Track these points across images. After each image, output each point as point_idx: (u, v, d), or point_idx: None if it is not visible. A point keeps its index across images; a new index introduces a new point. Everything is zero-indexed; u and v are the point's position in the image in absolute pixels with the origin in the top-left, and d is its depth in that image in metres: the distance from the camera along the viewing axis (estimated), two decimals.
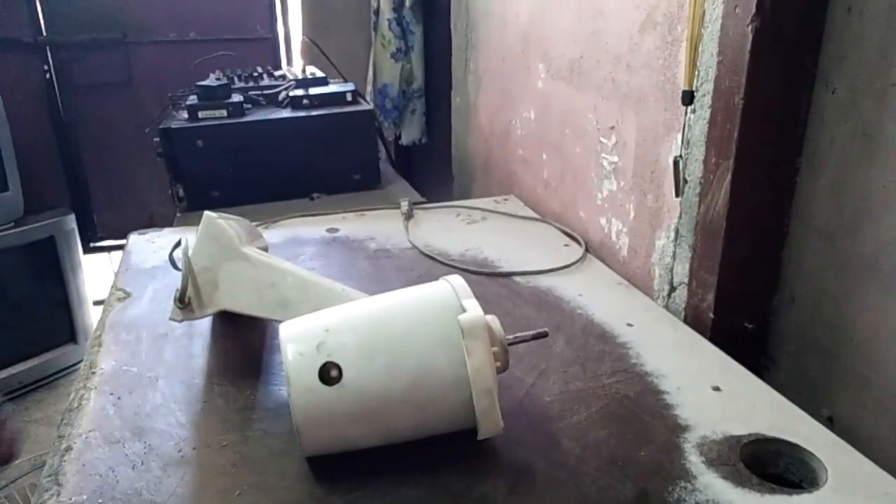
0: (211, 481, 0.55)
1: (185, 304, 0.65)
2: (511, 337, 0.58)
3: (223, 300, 0.66)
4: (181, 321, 0.66)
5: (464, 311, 0.54)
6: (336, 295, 0.67)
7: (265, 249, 0.77)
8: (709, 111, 0.74)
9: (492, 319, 0.56)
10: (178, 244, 0.67)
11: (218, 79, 1.54)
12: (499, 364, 0.55)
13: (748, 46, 0.67)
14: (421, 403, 0.54)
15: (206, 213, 0.68)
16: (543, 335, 0.60)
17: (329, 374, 0.52)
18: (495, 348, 0.55)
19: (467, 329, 0.52)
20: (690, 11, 0.73)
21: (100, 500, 0.53)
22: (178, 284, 0.66)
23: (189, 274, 0.65)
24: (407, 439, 0.56)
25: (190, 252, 0.66)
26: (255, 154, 1.33)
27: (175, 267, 0.68)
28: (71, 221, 2.15)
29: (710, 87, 0.73)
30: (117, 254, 1.63)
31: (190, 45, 2.25)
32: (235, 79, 1.60)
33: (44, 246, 2.05)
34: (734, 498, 0.53)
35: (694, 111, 0.77)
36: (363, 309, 0.58)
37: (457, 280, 0.58)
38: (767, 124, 0.70)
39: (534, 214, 1.18)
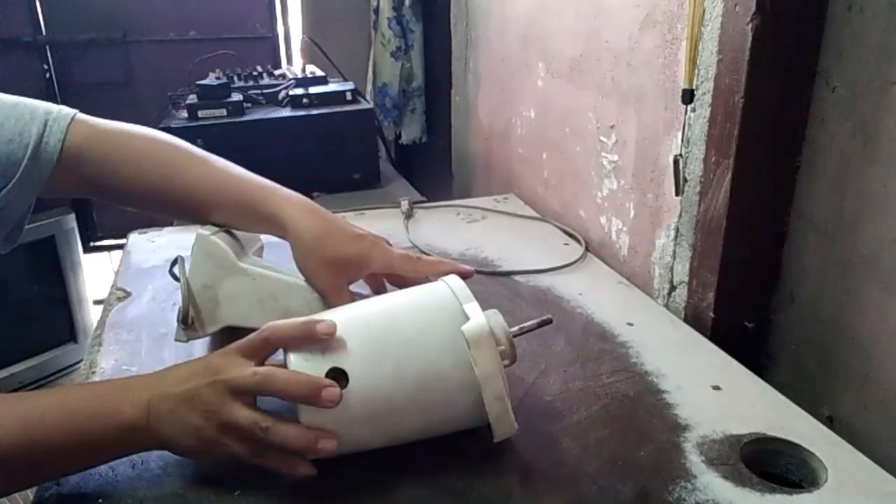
0: (211, 481, 0.55)
1: (188, 324, 0.65)
2: (516, 328, 0.58)
3: (226, 316, 0.66)
4: (187, 341, 0.66)
5: (465, 315, 0.53)
6: None
7: (260, 249, 0.76)
8: (709, 110, 0.74)
9: (493, 315, 0.56)
10: (175, 262, 0.67)
11: (218, 78, 1.54)
12: (506, 362, 0.55)
13: (748, 45, 0.67)
14: (427, 407, 0.54)
15: (198, 231, 0.67)
16: (548, 322, 0.59)
17: (335, 380, 0.52)
18: (501, 347, 0.54)
19: (472, 340, 0.52)
20: (690, 10, 0.73)
21: (100, 500, 0.53)
22: (180, 291, 0.66)
23: (188, 296, 0.64)
24: (413, 440, 0.56)
25: (187, 271, 0.65)
26: (255, 153, 1.33)
27: (176, 279, 0.67)
28: (71, 221, 2.15)
29: (710, 85, 0.73)
30: (117, 253, 1.63)
31: (190, 45, 2.25)
32: (235, 78, 1.60)
33: (44, 245, 2.05)
34: (734, 498, 0.53)
35: (694, 110, 0.76)
36: (366, 312, 0.57)
37: (455, 281, 0.58)
38: (767, 123, 0.70)
39: (534, 213, 1.18)
